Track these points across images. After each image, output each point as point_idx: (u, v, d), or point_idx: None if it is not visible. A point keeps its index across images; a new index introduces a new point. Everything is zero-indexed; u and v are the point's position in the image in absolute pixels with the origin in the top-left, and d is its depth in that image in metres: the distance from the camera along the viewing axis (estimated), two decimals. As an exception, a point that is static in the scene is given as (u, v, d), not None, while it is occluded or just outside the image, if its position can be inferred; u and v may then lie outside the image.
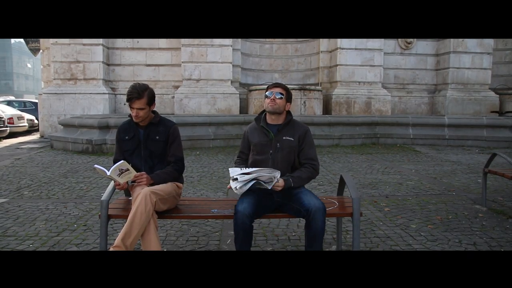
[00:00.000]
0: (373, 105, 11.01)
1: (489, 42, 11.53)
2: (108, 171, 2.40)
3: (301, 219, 2.47)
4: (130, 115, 2.69)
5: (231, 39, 10.57)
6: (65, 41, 10.23)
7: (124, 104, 10.41)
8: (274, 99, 2.56)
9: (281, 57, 12.22)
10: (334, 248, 2.97)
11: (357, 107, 10.96)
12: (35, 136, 12.29)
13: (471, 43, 11.38)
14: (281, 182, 2.40)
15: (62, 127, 9.35)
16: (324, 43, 11.60)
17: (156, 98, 2.75)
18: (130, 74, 10.95)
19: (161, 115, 2.81)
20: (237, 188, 2.29)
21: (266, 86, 2.72)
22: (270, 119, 2.64)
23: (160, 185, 2.56)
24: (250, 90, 10.71)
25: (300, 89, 10.17)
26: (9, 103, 16.32)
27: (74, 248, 2.93)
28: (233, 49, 10.70)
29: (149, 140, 2.71)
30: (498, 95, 11.65)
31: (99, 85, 10.42)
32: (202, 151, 8.10)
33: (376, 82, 11.19)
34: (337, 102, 10.93)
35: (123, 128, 2.78)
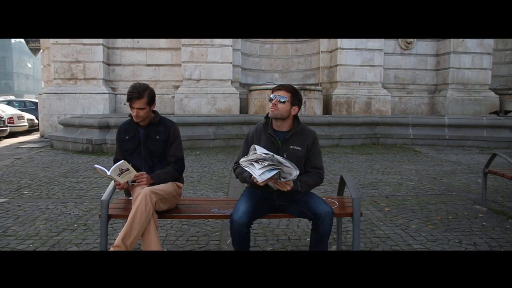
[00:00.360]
0: (373, 105, 11.01)
1: (489, 42, 11.52)
2: (108, 171, 2.40)
3: (301, 219, 2.46)
4: (130, 115, 2.69)
5: (231, 39, 10.57)
6: (65, 41, 10.23)
7: (124, 104, 10.42)
8: (275, 104, 2.39)
9: (281, 57, 12.21)
10: (334, 248, 2.96)
11: (357, 107, 10.95)
12: (35, 136, 12.30)
13: (471, 43, 11.38)
14: (290, 184, 2.33)
15: (62, 126, 9.35)
16: (324, 43, 11.60)
17: (156, 98, 2.74)
18: (130, 74, 10.95)
19: (161, 115, 2.81)
20: (257, 175, 2.15)
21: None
22: (275, 125, 2.47)
23: (160, 185, 2.55)
24: (250, 90, 10.69)
25: (300, 89, 10.12)
26: (9, 102, 16.33)
27: (74, 248, 2.93)
28: (233, 49, 10.70)
29: (149, 140, 2.71)
30: (498, 95, 11.65)
31: (99, 85, 10.42)
32: (202, 151, 8.10)
33: (376, 82, 11.19)
34: (337, 102, 10.93)
35: (123, 128, 2.78)
